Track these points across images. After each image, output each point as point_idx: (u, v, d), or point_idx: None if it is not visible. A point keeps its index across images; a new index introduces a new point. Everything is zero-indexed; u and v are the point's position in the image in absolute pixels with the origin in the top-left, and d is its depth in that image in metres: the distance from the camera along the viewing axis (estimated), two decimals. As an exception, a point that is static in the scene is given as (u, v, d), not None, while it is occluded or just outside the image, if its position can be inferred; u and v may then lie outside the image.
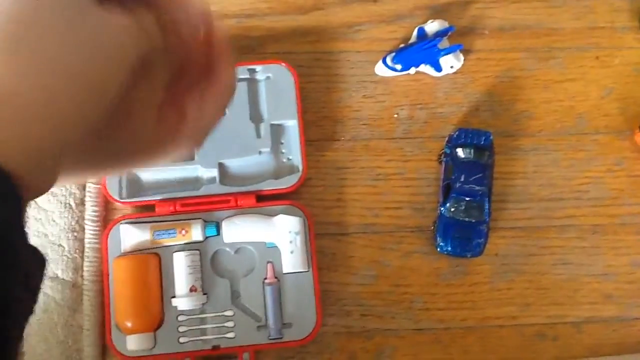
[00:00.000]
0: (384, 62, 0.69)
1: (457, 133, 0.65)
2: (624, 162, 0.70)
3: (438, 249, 0.65)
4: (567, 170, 0.69)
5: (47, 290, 0.63)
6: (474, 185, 0.63)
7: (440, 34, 0.69)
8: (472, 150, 0.65)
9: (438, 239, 0.65)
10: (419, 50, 0.68)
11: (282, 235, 0.62)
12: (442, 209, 0.65)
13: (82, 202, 0.65)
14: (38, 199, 0.64)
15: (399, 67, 0.69)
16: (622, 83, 0.72)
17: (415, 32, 0.70)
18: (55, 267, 0.63)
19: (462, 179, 0.63)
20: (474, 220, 0.64)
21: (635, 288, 0.67)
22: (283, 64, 0.67)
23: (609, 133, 0.71)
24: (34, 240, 0.63)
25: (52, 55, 0.27)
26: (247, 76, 0.67)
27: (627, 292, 0.67)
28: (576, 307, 0.66)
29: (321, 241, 0.66)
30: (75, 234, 0.64)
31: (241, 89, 0.67)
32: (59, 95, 0.27)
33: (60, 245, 0.64)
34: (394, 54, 0.69)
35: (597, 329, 0.66)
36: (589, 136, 0.70)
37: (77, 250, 0.64)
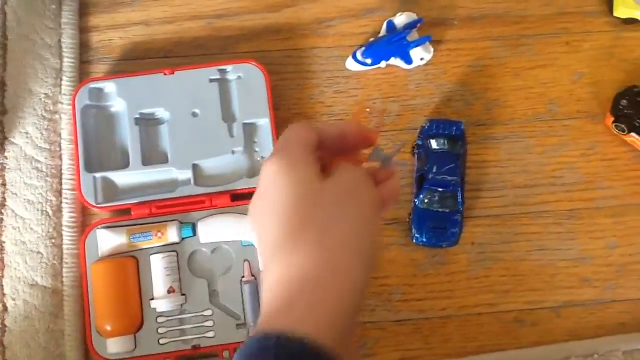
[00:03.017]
0: (354, 56, 0.69)
1: (428, 124, 0.66)
2: (597, 146, 0.70)
3: (414, 240, 0.65)
4: (541, 157, 0.70)
5: (27, 297, 0.63)
6: (446, 176, 0.64)
7: (409, 26, 0.69)
8: (444, 141, 0.65)
9: (413, 230, 0.65)
10: (388, 43, 0.68)
11: (258, 233, 0.63)
12: (416, 200, 0.65)
13: (59, 209, 0.66)
14: (15, 207, 0.65)
15: (369, 61, 0.69)
16: (593, 67, 0.72)
17: (384, 25, 0.70)
18: (35, 274, 0.64)
19: (435, 170, 0.64)
20: (448, 210, 0.64)
21: (612, 270, 0.67)
22: (253, 63, 0.67)
23: (581, 117, 0.71)
24: (11, 248, 0.64)
25: (343, 238, 0.34)
26: (218, 77, 0.67)
27: (604, 275, 0.67)
28: (554, 292, 0.67)
29: (298, 237, 0.66)
30: (53, 240, 0.65)
31: (212, 89, 0.67)
32: (354, 271, 0.34)
33: (38, 252, 0.64)
34: (363, 48, 0.69)
35: (576, 313, 0.66)
36: (562, 121, 0.71)
37: (56, 257, 0.64)
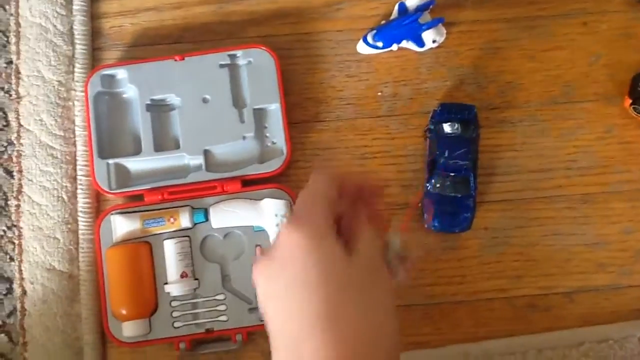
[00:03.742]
0: (365, 40, 0.68)
1: (440, 108, 0.65)
2: (614, 129, 0.69)
3: (426, 226, 0.65)
4: (556, 140, 0.69)
5: (45, 281, 0.65)
6: (458, 160, 0.63)
7: (421, 8, 0.68)
8: (457, 125, 0.64)
9: (425, 215, 0.65)
10: (399, 26, 0.67)
11: (269, 218, 0.63)
12: (428, 185, 0.65)
13: (74, 195, 0.67)
14: (31, 194, 0.66)
15: (380, 44, 0.68)
16: (611, 48, 0.70)
17: (396, 8, 0.69)
18: (52, 260, 0.65)
19: (446, 155, 0.63)
20: (460, 195, 0.64)
21: (627, 256, 0.66)
22: (263, 48, 0.67)
23: (598, 100, 0.69)
24: (29, 234, 0.65)
25: (363, 326, 0.36)
26: (228, 62, 0.67)
27: (619, 260, 0.66)
28: (568, 277, 0.66)
29: (309, 222, 0.66)
30: (69, 226, 0.66)
31: (223, 75, 0.67)
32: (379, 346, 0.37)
33: (55, 237, 0.66)
34: (374, 31, 0.68)
35: (590, 298, 0.66)
36: (578, 104, 0.69)
37: (72, 242, 0.66)
